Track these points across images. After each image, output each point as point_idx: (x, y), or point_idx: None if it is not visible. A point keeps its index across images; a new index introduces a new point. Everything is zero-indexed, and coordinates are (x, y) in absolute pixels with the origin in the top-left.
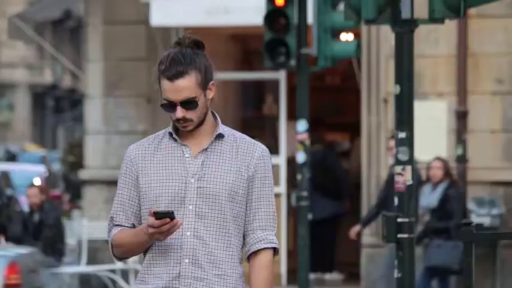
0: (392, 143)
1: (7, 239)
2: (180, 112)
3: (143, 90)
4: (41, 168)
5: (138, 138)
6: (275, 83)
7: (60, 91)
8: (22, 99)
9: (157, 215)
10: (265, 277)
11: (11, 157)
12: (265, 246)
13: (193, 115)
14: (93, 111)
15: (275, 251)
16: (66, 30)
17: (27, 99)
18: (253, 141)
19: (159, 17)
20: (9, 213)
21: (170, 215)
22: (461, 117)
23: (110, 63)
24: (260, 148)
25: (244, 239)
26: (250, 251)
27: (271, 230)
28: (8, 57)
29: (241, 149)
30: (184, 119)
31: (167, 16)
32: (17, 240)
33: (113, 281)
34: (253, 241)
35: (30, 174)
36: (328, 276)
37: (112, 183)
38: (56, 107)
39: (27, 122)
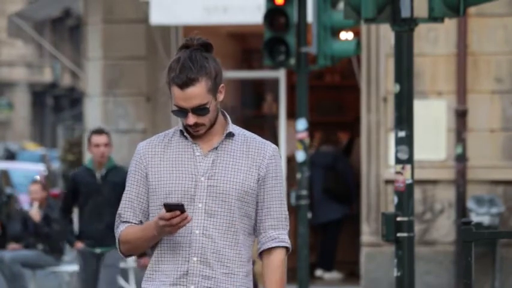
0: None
1: (6, 237)
2: (191, 119)
3: (143, 88)
4: (41, 167)
5: (138, 136)
6: (275, 82)
7: (59, 90)
8: (21, 97)
9: (168, 207)
10: (279, 277)
11: (11, 156)
12: (277, 245)
13: (204, 120)
14: (93, 110)
15: (287, 250)
16: (66, 29)
17: (26, 97)
18: (263, 140)
19: (158, 16)
20: (8, 211)
21: (180, 208)
22: (461, 116)
23: (110, 62)
24: (271, 148)
25: (256, 237)
26: (262, 249)
27: (284, 229)
28: (8, 55)
29: (252, 149)
30: (196, 125)
31: (167, 15)
32: (17, 239)
33: None
34: (265, 240)
35: (29, 172)
36: (327, 275)
37: None
38: (56, 106)
39: (27, 121)
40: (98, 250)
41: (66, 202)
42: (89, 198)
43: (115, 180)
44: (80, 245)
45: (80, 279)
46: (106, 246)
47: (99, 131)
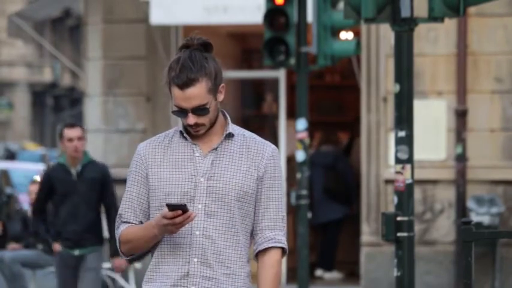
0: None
1: (6, 236)
2: (192, 119)
3: (143, 88)
4: (41, 167)
5: (138, 136)
6: (275, 82)
7: (59, 90)
8: (22, 97)
9: (171, 207)
10: (273, 276)
11: (11, 155)
12: (273, 245)
13: (205, 120)
14: (93, 110)
15: (283, 251)
16: (66, 29)
17: (26, 97)
18: (263, 140)
19: (158, 16)
20: (8, 211)
21: (183, 208)
22: (461, 116)
23: (110, 62)
24: (270, 148)
25: (253, 238)
26: (258, 250)
27: (280, 230)
28: (8, 55)
29: (251, 149)
30: (196, 125)
31: (167, 14)
32: (17, 239)
33: (113, 280)
34: (261, 240)
35: (29, 172)
36: (327, 275)
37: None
38: (56, 106)
39: (27, 121)
40: (76, 252)
41: (39, 202)
42: (65, 196)
43: (92, 176)
44: (58, 247)
45: (58, 283)
46: (85, 248)
47: (71, 125)
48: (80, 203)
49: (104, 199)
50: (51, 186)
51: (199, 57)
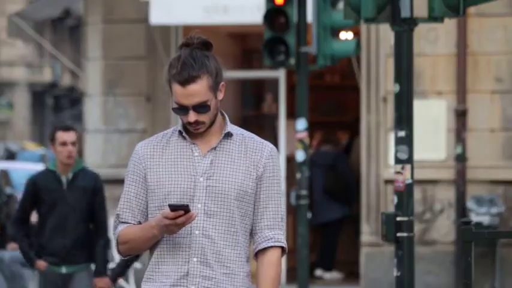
0: None
1: (6, 236)
2: (192, 116)
3: (143, 88)
4: (41, 167)
5: (138, 136)
6: (274, 82)
7: (59, 90)
8: (21, 97)
9: (172, 208)
10: (273, 275)
11: (11, 156)
12: (273, 244)
13: (205, 118)
14: (93, 110)
15: (283, 250)
16: (66, 29)
17: (26, 97)
18: (261, 140)
19: (158, 16)
20: (8, 211)
21: (185, 208)
22: (461, 115)
23: (110, 62)
24: (269, 147)
25: (252, 237)
26: (258, 249)
27: (280, 229)
28: (8, 55)
29: (249, 148)
30: (197, 122)
31: (167, 15)
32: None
33: None
34: (261, 240)
35: (29, 172)
36: (327, 275)
37: (111, 181)
38: (56, 106)
39: (27, 121)
40: (63, 270)
41: (23, 212)
42: (52, 207)
43: (83, 185)
44: (43, 264)
45: None
46: (73, 265)
47: (65, 128)
48: (69, 214)
49: (94, 211)
50: (37, 195)
51: (200, 55)
